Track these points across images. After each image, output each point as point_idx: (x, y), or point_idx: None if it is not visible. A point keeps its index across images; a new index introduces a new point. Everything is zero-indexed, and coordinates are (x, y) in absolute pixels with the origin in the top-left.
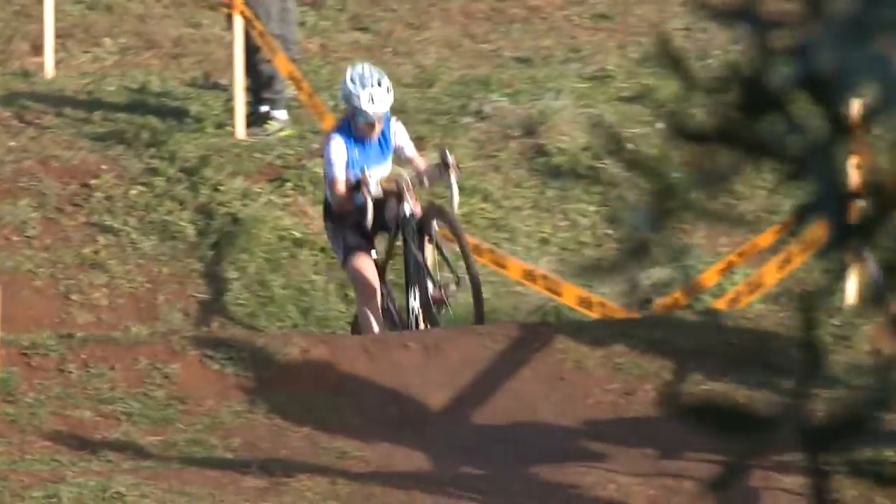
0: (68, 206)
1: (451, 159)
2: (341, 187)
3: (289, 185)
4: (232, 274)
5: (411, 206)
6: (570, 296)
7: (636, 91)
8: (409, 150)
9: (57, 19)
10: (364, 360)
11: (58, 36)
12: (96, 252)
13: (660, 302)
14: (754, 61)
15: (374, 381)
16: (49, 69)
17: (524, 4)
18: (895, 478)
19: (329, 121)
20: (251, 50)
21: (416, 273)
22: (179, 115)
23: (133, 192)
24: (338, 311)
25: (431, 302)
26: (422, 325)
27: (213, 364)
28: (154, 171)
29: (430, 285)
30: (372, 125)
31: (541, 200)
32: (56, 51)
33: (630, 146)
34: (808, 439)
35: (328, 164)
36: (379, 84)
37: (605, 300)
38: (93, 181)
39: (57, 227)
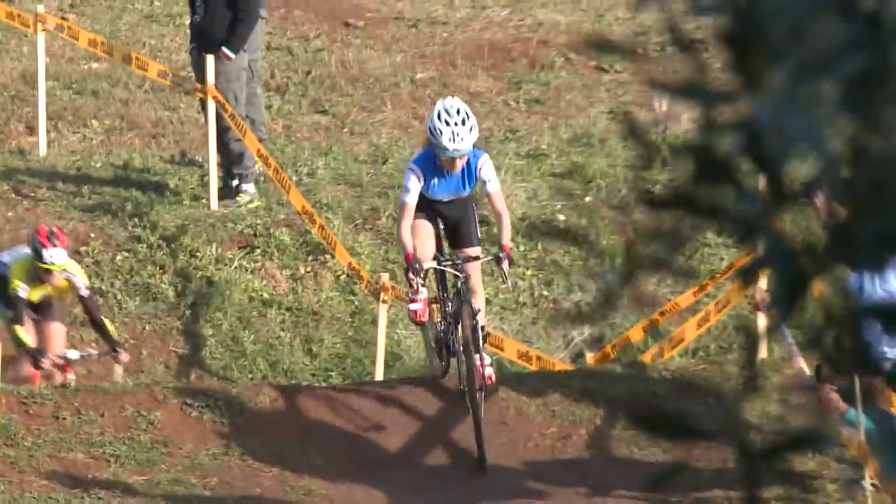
0: None
1: (505, 264)
2: (405, 216)
3: (258, 251)
4: (207, 331)
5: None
6: (512, 350)
7: (566, 167)
8: (493, 185)
9: (49, 103)
10: (327, 408)
11: (50, 118)
12: None
13: (592, 356)
14: (703, 133)
15: (337, 427)
16: (42, 148)
17: (466, 90)
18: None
19: (295, 195)
20: (223, 130)
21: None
22: (159, 188)
23: (119, 257)
24: (303, 364)
25: (476, 380)
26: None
27: (193, 411)
28: (137, 239)
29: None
30: (452, 160)
31: (484, 265)
32: (48, 131)
33: (561, 217)
34: (744, 454)
35: (403, 188)
36: (463, 123)
37: (543, 354)
38: (83, 248)
39: None
